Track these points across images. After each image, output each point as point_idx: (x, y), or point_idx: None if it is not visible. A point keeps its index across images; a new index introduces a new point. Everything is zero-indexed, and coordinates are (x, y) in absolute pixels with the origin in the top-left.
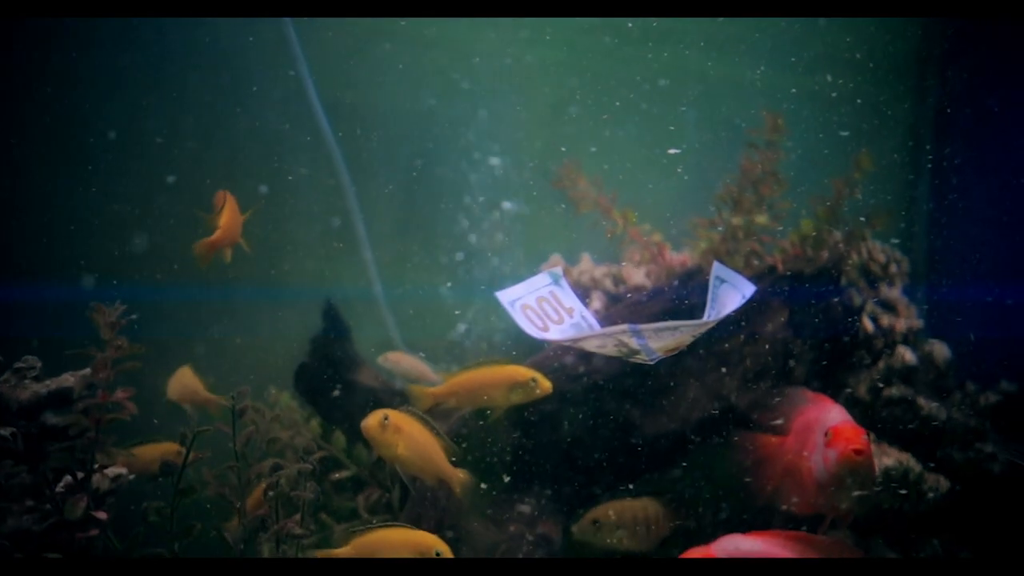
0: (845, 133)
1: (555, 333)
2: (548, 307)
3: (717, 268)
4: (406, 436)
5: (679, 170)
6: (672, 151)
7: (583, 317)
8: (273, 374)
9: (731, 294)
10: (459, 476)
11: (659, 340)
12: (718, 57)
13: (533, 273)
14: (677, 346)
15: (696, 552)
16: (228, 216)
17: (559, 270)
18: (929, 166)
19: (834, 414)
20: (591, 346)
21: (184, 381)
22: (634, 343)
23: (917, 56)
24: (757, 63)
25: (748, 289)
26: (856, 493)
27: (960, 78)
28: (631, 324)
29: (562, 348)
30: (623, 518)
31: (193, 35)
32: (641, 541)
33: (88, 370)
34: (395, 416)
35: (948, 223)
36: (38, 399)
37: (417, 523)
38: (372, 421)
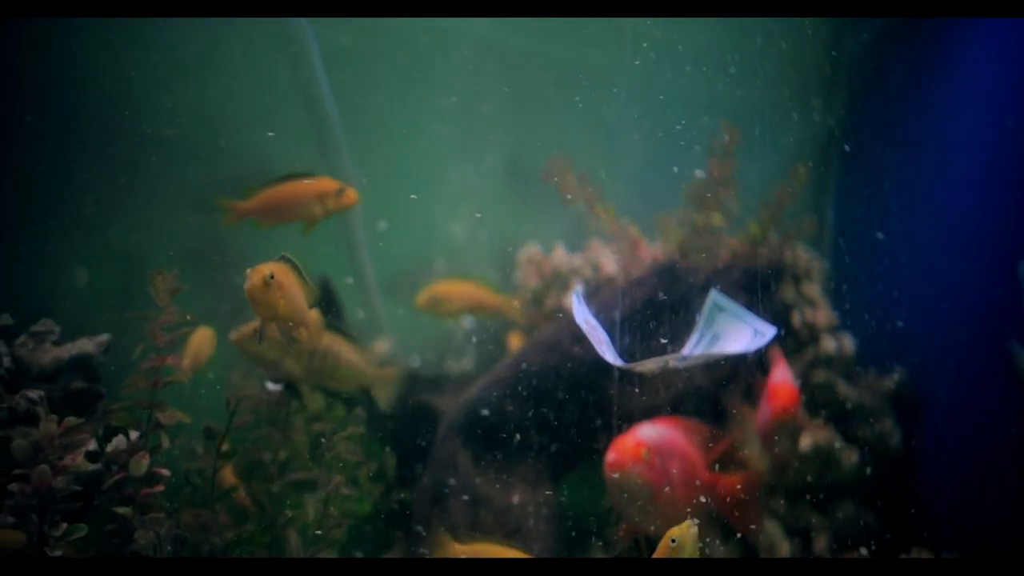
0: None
1: (609, 356)
2: (590, 327)
3: (715, 296)
4: (286, 293)
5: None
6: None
7: (604, 337)
8: None
9: (736, 326)
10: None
11: (692, 363)
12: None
13: (500, 259)
14: (692, 365)
15: (625, 439)
16: (272, 195)
17: (580, 289)
18: (835, 177)
19: (778, 374)
20: (641, 368)
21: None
22: (672, 364)
23: (826, 68)
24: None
25: (764, 328)
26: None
27: (864, 93)
28: (682, 354)
29: (557, 331)
30: (460, 296)
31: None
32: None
33: (105, 336)
34: (280, 273)
35: (850, 229)
36: (59, 363)
37: (438, 489)
38: (256, 279)
